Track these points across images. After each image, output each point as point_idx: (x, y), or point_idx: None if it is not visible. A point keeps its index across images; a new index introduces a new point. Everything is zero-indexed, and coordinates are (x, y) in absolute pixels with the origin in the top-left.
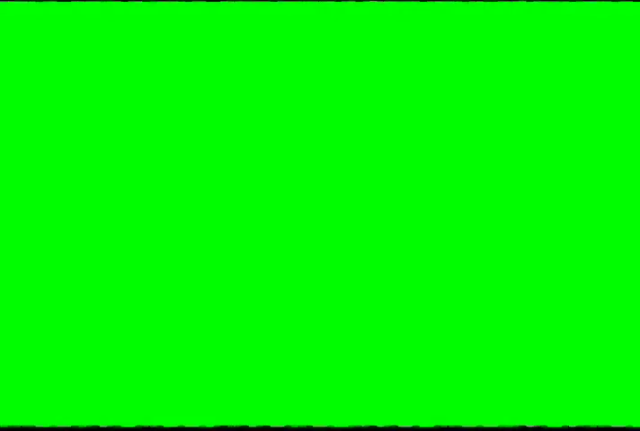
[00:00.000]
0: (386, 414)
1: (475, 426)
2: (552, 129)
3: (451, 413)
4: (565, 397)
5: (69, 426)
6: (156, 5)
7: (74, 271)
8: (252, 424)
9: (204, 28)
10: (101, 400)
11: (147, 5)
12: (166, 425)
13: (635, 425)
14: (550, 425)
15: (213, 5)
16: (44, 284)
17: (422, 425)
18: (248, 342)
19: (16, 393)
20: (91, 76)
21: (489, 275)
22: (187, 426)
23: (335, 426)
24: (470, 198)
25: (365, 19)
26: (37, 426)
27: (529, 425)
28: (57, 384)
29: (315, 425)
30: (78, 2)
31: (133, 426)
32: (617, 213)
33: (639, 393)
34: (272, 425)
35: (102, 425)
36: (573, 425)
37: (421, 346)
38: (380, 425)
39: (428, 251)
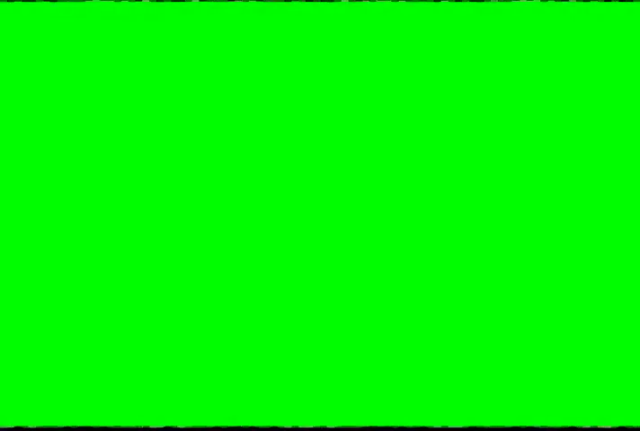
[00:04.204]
0: (386, 414)
1: (474, 426)
2: (552, 129)
3: (451, 413)
4: (565, 397)
5: (69, 426)
6: (156, 5)
7: (74, 271)
8: (252, 424)
9: (204, 28)
10: (101, 400)
11: (147, 5)
12: (166, 425)
13: (635, 424)
14: (550, 425)
15: (213, 5)
16: (44, 284)
17: (423, 425)
18: (248, 342)
19: (16, 393)
20: (91, 76)
21: (489, 275)
22: (186, 426)
23: (335, 426)
24: (470, 198)
25: (365, 19)
26: (37, 426)
27: (529, 425)
28: (58, 384)
29: (314, 425)
30: (78, 2)
31: (133, 426)
32: (617, 213)
33: (639, 393)
34: (272, 425)
35: (102, 425)
36: (573, 425)
37: (421, 346)
38: (380, 425)
39: (428, 251)
